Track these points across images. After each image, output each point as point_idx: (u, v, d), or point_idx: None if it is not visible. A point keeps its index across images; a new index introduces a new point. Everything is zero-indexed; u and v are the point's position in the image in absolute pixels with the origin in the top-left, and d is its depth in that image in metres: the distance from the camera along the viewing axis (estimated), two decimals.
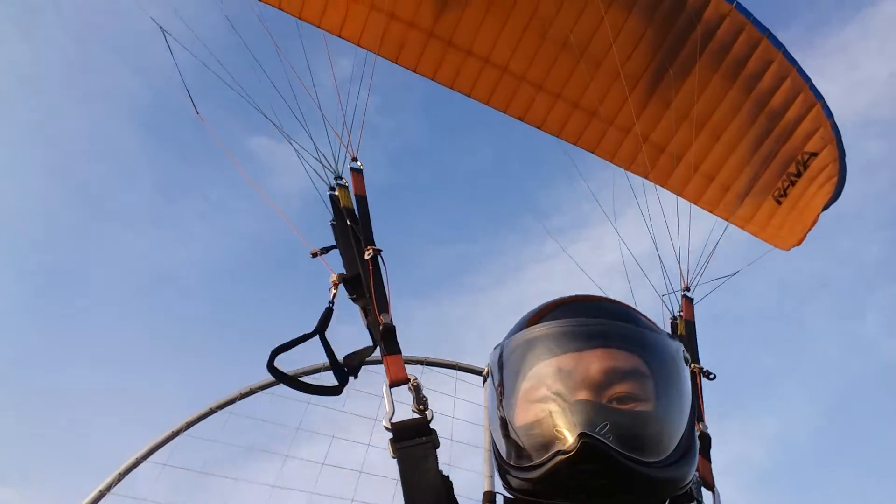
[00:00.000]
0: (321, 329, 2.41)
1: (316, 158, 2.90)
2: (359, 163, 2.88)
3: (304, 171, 2.91)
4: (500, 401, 1.55)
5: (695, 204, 5.76)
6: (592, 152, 5.74)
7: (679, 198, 5.43)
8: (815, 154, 5.27)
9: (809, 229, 5.74)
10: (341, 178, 2.86)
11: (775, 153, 5.38)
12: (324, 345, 2.40)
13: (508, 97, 5.51)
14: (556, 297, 1.66)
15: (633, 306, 1.65)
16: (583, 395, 1.38)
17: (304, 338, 2.40)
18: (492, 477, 5.71)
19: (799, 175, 5.44)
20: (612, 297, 1.67)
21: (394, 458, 1.84)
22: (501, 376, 1.57)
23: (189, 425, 5.44)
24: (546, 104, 5.44)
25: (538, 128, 5.71)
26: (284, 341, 2.35)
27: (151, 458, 5.32)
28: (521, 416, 1.46)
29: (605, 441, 1.28)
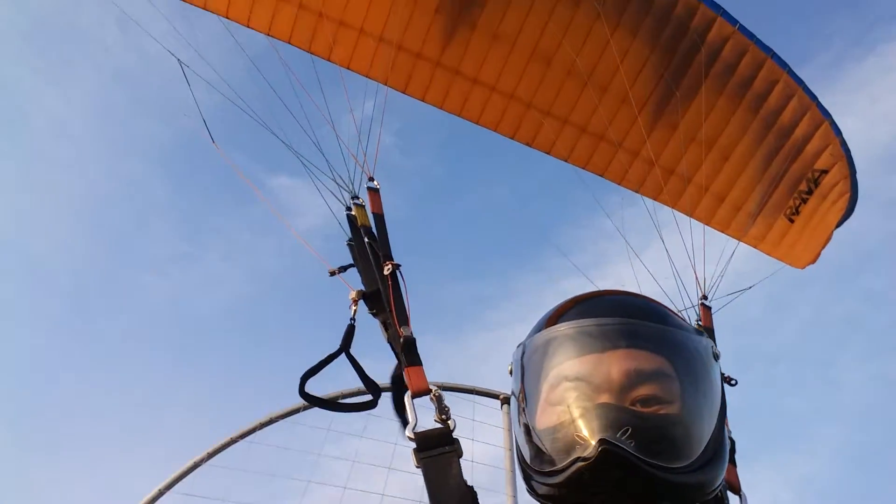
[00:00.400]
0: (346, 347, 2.41)
1: (332, 179, 2.94)
2: (375, 182, 2.92)
3: (324, 209, 2.94)
4: (523, 404, 1.51)
5: (707, 225, 5.76)
6: (601, 176, 5.77)
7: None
8: (825, 171, 5.28)
9: (824, 247, 5.72)
10: (358, 198, 2.89)
11: (785, 172, 5.39)
12: (351, 362, 2.40)
13: (516, 123, 5.57)
14: (579, 292, 1.63)
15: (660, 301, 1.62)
16: (604, 398, 1.33)
17: (330, 358, 2.40)
18: (514, 497, 5.61)
19: (810, 193, 5.45)
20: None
21: (418, 467, 1.82)
22: (523, 378, 1.54)
23: (210, 455, 5.41)
24: (554, 129, 5.49)
25: (547, 153, 5.75)
26: (311, 365, 2.35)
27: (174, 488, 5.28)
28: (543, 420, 1.42)
29: (625, 448, 1.24)
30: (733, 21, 4.73)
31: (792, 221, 5.70)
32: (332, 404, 2.41)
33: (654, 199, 5.64)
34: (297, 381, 2.33)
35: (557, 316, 1.54)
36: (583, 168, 5.76)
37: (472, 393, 6.19)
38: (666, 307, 1.59)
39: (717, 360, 1.55)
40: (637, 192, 5.78)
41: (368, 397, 2.33)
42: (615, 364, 1.37)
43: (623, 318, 1.46)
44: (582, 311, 1.52)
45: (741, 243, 5.05)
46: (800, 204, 5.58)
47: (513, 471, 5.74)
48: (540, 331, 1.54)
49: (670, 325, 1.50)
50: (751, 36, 4.84)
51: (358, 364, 2.40)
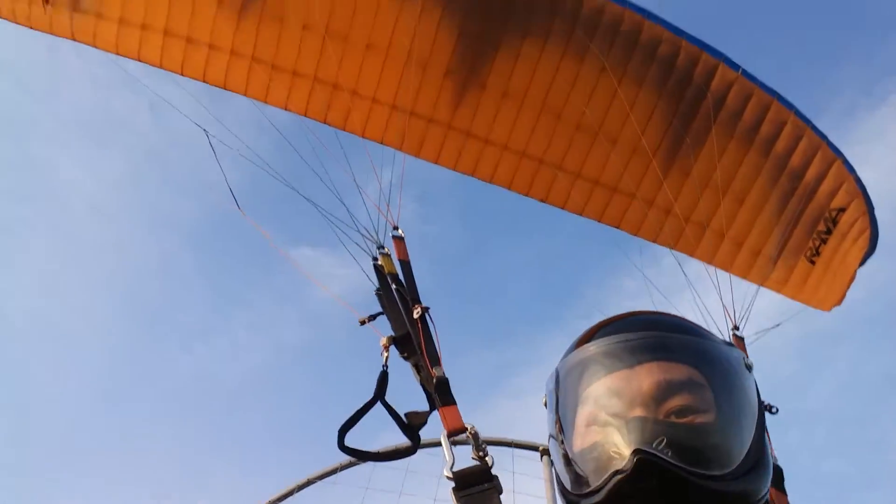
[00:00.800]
0: (380, 394, 2.38)
1: (357, 231, 2.98)
2: (400, 231, 2.96)
3: (348, 277, 2.99)
4: (560, 435, 1.50)
5: (726, 271, 5.72)
6: (618, 227, 5.79)
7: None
8: (842, 209, 5.27)
9: (848, 287, 5.63)
10: (383, 248, 2.92)
11: (802, 212, 5.39)
12: (387, 409, 2.36)
13: (529, 180, 5.64)
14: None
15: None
16: (637, 411, 1.33)
17: (366, 408, 2.36)
18: None
19: (829, 232, 5.42)
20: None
21: None
22: (557, 406, 1.53)
23: None
24: (567, 183, 5.56)
25: (562, 208, 5.80)
26: (348, 417, 2.31)
27: None
28: (579, 443, 1.41)
29: (661, 456, 1.23)
30: (735, 66, 4.85)
31: (813, 263, 5.64)
32: (373, 455, 2.36)
33: (672, 248, 5.63)
34: (336, 437, 2.29)
35: (586, 339, 1.55)
36: (598, 220, 5.79)
37: (510, 446, 6.07)
38: (694, 323, 1.59)
39: (750, 371, 1.54)
40: (654, 241, 5.78)
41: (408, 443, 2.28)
42: (645, 377, 1.37)
43: (648, 332, 1.47)
44: (609, 330, 1.52)
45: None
46: (820, 245, 5.55)
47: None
48: (569, 354, 1.55)
49: (698, 336, 1.50)
50: (754, 79, 4.95)
51: (394, 411, 2.36)
